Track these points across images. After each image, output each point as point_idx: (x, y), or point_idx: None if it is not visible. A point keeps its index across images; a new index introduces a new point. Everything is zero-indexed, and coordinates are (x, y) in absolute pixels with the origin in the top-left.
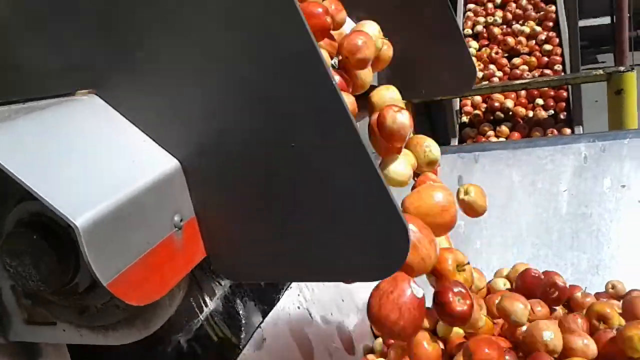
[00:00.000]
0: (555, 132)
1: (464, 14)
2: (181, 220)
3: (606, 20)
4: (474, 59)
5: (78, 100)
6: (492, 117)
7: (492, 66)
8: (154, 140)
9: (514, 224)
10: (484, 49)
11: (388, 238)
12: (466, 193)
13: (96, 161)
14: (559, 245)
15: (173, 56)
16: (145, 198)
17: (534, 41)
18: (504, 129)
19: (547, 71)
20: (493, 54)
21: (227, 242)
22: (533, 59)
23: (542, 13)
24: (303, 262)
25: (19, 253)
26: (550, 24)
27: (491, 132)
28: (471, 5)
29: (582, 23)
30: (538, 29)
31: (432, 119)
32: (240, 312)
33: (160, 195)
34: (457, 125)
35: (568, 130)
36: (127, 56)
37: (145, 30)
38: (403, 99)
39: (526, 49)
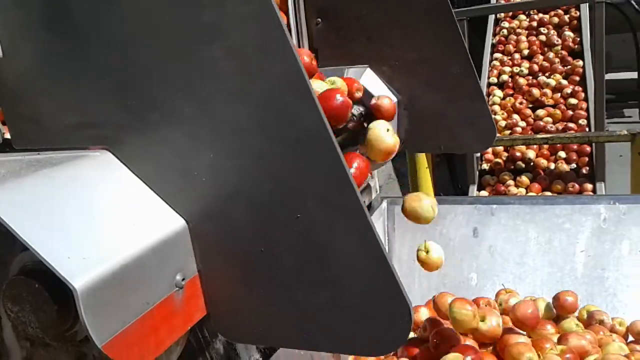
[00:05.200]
0: (577, 186)
1: (490, 62)
2: (183, 279)
3: (633, 74)
4: (497, 107)
5: (90, 156)
6: (512, 167)
7: (515, 116)
8: (163, 199)
9: (528, 281)
10: (508, 98)
11: (389, 314)
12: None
13: (102, 221)
14: None
15: (188, 122)
16: (148, 259)
17: (559, 94)
18: (525, 179)
19: (571, 125)
20: (517, 104)
21: (227, 303)
22: (558, 111)
23: (569, 67)
24: (301, 330)
25: (20, 300)
26: (577, 78)
27: (511, 182)
28: (498, 55)
29: (610, 76)
30: (564, 82)
31: (452, 165)
32: (241, 354)
33: (163, 255)
34: (477, 172)
35: (589, 186)
36: (142, 117)
37: (162, 94)
38: (422, 152)
39: (551, 101)
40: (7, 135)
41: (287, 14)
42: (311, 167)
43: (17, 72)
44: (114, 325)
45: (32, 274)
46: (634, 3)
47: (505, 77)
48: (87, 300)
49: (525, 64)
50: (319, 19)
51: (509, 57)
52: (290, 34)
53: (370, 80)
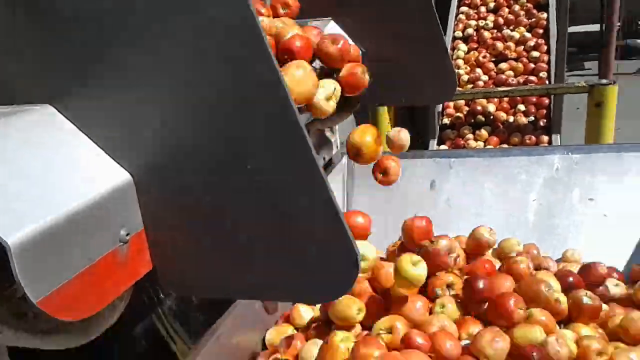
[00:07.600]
0: (534, 138)
1: (456, 16)
2: (127, 234)
3: (596, 27)
4: (461, 61)
5: (31, 110)
6: (473, 120)
7: (478, 70)
8: (107, 153)
9: None
10: (472, 52)
11: (336, 262)
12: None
13: (39, 176)
14: None
15: (134, 72)
16: (88, 214)
17: (522, 47)
18: (483, 132)
19: (532, 77)
20: (481, 58)
21: (173, 256)
22: (520, 65)
23: (533, 20)
24: (248, 279)
25: None
26: (541, 30)
27: (470, 136)
28: (464, 8)
29: (572, 29)
30: (528, 35)
31: (414, 119)
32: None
33: (106, 210)
34: (438, 127)
35: (545, 138)
36: (87, 68)
37: (108, 44)
38: (383, 105)
39: (514, 55)
40: None
41: None
42: (259, 115)
43: None
44: (52, 282)
45: None
46: None
47: (470, 30)
48: (21, 256)
49: (491, 17)
50: None
51: (475, 11)
52: None
53: (334, 32)
